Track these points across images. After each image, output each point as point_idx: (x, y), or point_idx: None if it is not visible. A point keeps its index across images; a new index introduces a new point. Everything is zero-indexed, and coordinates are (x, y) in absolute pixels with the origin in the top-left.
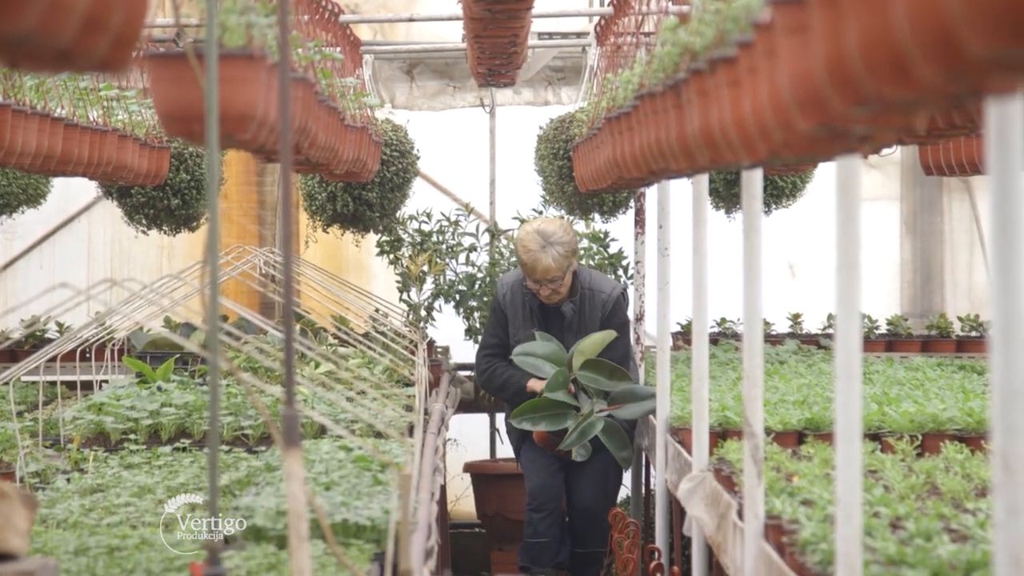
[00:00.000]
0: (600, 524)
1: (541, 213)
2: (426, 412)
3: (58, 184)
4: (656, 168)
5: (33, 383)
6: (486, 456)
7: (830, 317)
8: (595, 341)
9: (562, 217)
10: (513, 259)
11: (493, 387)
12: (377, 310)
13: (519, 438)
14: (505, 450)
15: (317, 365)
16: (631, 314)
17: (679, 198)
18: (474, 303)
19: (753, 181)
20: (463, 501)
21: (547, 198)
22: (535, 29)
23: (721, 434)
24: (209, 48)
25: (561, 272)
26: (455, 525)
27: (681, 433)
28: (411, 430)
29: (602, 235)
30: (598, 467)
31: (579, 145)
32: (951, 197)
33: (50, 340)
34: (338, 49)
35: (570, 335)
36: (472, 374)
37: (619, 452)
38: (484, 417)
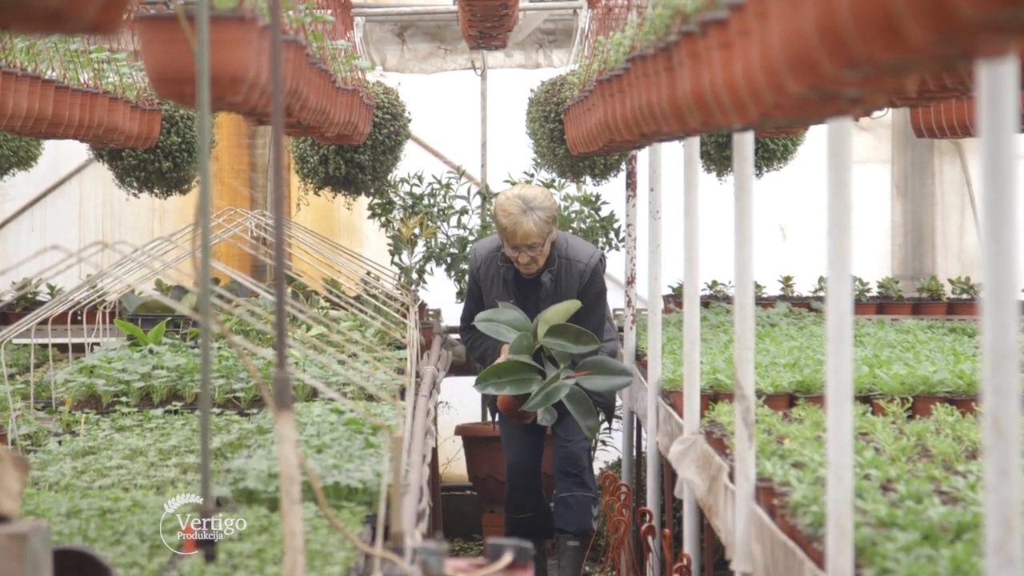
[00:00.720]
0: (581, 465)
1: (532, 176)
2: (417, 375)
3: (49, 146)
4: (647, 131)
5: (24, 346)
6: (477, 419)
7: (821, 280)
8: (559, 311)
9: (552, 183)
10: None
11: (476, 357)
12: (368, 273)
13: (496, 409)
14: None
15: (309, 328)
16: (622, 277)
17: (670, 161)
18: (465, 266)
19: (744, 144)
20: (455, 464)
21: (538, 161)
22: None
23: (712, 397)
24: (200, 10)
25: (541, 239)
26: (447, 488)
27: (672, 396)
28: (403, 393)
29: (593, 198)
30: (571, 422)
31: (570, 108)
32: (942, 160)
33: (41, 303)
34: (329, 12)
35: (547, 306)
36: None
37: (584, 420)
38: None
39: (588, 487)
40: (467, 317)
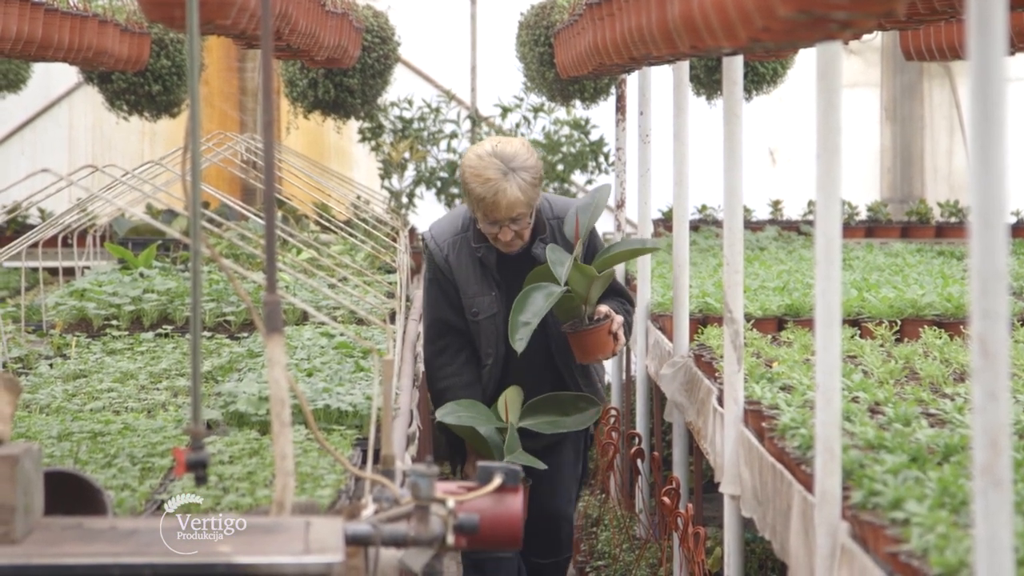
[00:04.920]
0: (566, 529)
1: (522, 100)
2: (408, 299)
3: (39, 69)
4: (637, 55)
5: (15, 269)
6: None
7: (810, 203)
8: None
9: (542, 107)
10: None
11: (432, 381)
12: (359, 197)
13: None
14: None
15: (299, 252)
16: (612, 201)
17: (660, 85)
18: (455, 190)
19: (733, 67)
20: None
21: (528, 85)
22: None
23: (701, 320)
24: None
25: (528, 207)
26: None
27: (662, 320)
28: (392, 317)
29: (583, 122)
30: (556, 471)
31: (560, 31)
32: (931, 83)
33: (32, 226)
34: None
35: None
36: None
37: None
38: None
39: (569, 547)
40: (435, 331)
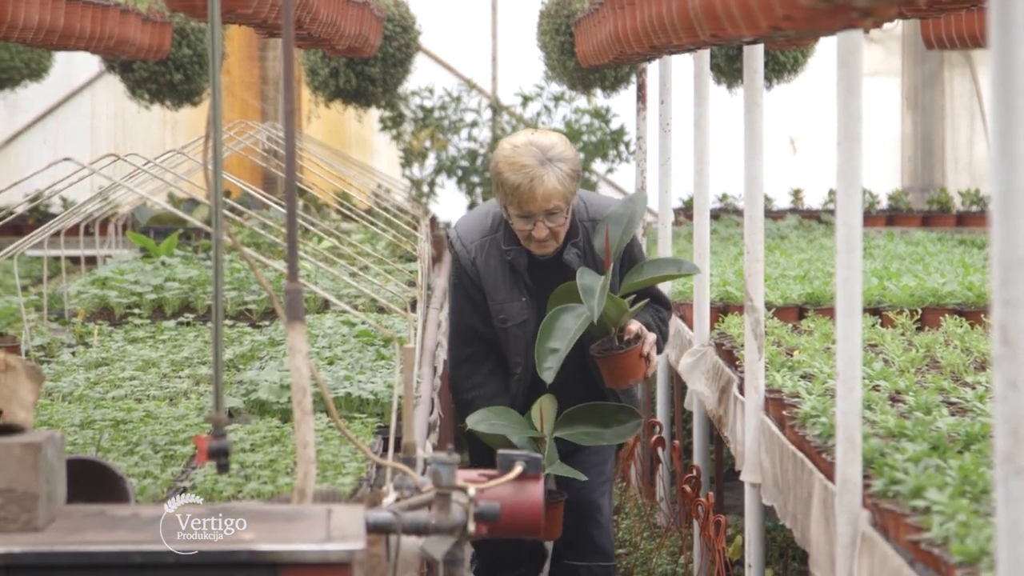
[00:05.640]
0: (600, 521)
1: (543, 89)
2: (428, 287)
3: (61, 58)
4: (658, 43)
5: (37, 258)
6: None
7: (831, 192)
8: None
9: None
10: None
11: (457, 392)
12: (379, 185)
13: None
14: None
15: (320, 240)
16: (632, 190)
17: (681, 73)
18: (476, 179)
19: (754, 56)
20: None
21: (549, 73)
22: None
23: (722, 309)
24: None
25: (566, 201)
26: None
27: (682, 308)
28: (413, 305)
29: (604, 111)
30: (591, 456)
31: (581, 20)
32: (952, 72)
33: (54, 215)
34: None
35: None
36: None
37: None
38: None
39: (607, 553)
40: (460, 338)
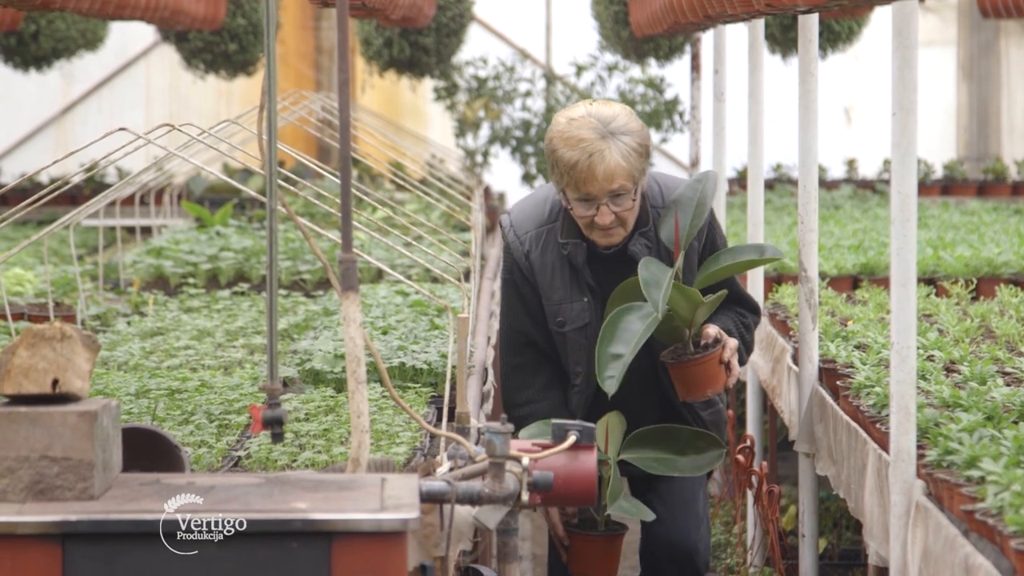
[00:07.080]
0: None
1: (597, 59)
2: (482, 257)
3: (116, 28)
4: (712, 12)
5: (93, 227)
6: None
7: (886, 162)
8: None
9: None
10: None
11: (508, 407)
12: (433, 155)
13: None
14: None
15: (374, 210)
16: (686, 159)
17: (735, 43)
18: (530, 149)
19: (809, 25)
20: None
21: (603, 43)
22: None
23: (776, 279)
24: None
25: (633, 180)
26: None
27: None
28: (467, 275)
29: (658, 80)
30: (676, 489)
31: None
32: (1008, 41)
33: (109, 185)
34: None
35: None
36: None
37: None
38: None
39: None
40: (512, 342)
